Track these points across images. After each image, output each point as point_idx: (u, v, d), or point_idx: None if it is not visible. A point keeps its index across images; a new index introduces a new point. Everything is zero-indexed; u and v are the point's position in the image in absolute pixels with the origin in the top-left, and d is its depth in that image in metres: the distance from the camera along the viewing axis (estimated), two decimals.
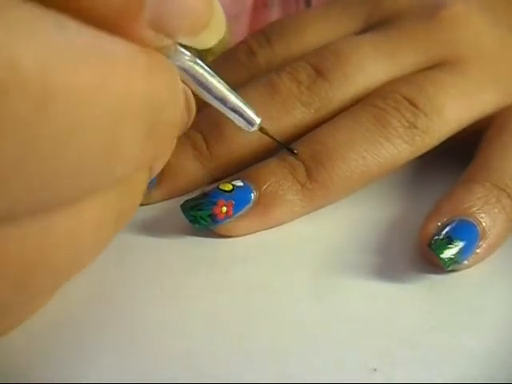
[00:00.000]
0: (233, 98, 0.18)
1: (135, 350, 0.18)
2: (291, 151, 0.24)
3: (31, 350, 0.18)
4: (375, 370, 0.18)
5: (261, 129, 0.20)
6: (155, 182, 0.25)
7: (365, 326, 0.19)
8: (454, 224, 0.22)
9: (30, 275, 0.14)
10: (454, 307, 0.20)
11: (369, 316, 0.20)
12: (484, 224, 0.22)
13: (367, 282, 0.21)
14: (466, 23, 0.28)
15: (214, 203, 0.23)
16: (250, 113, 0.19)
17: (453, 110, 0.25)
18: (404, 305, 0.20)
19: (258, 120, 0.19)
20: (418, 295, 0.21)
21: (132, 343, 0.19)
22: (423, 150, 0.25)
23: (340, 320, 0.20)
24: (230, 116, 0.18)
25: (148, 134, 0.14)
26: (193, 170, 0.24)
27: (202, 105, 0.27)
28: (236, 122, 0.19)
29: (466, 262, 0.22)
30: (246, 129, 0.19)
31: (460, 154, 0.26)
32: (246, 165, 0.25)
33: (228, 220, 0.23)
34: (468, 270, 0.22)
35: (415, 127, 0.25)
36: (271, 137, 0.23)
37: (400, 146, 0.25)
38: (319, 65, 0.26)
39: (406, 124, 0.25)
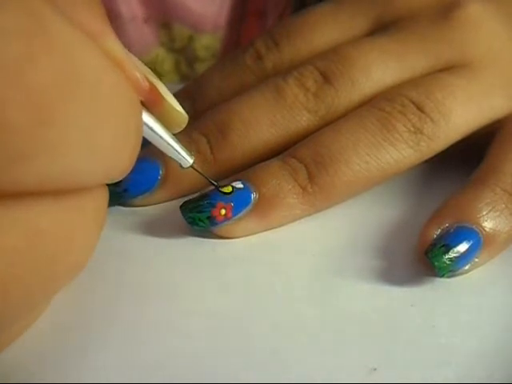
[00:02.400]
0: (172, 141, 0.21)
1: (135, 349, 0.18)
2: (218, 189, 0.23)
3: (32, 350, 0.18)
4: (375, 369, 0.18)
5: (193, 167, 0.22)
6: (158, 184, 0.25)
7: (365, 326, 0.19)
8: (453, 231, 0.21)
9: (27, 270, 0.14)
10: (454, 307, 0.20)
11: (369, 316, 0.20)
12: (488, 230, 0.22)
13: (367, 282, 0.21)
14: (479, 24, 0.27)
15: (213, 205, 0.23)
16: (184, 154, 0.21)
17: (461, 115, 0.25)
18: (404, 305, 0.20)
19: (190, 160, 0.22)
20: (418, 295, 0.21)
21: (132, 343, 0.19)
22: (428, 156, 0.25)
23: (340, 320, 0.20)
24: (170, 154, 0.21)
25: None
26: (196, 173, 0.24)
27: (207, 107, 0.27)
28: (175, 158, 0.21)
29: (465, 268, 0.21)
30: (183, 165, 0.22)
31: (466, 154, 0.26)
32: (249, 167, 0.25)
33: (227, 222, 0.23)
34: None
35: (421, 133, 0.24)
36: (202, 174, 0.23)
37: (404, 151, 0.24)
38: (326, 70, 0.26)
39: (412, 129, 0.24)
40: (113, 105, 0.15)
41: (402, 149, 0.24)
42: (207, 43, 0.40)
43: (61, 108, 0.13)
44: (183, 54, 0.40)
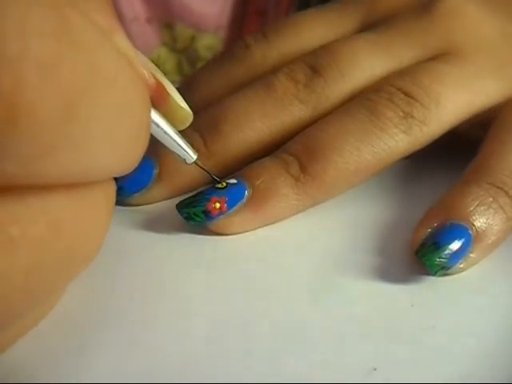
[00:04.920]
0: (176, 137, 0.21)
1: (135, 349, 0.18)
2: (218, 182, 0.24)
3: (31, 351, 0.18)
4: (375, 369, 0.18)
5: (196, 163, 0.23)
6: (153, 181, 0.25)
7: (365, 326, 0.19)
8: (443, 229, 0.21)
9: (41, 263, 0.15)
10: (454, 307, 0.20)
11: (369, 316, 0.20)
12: (478, 226, 0.22)
13: (367, 282, 0.21)
14: (462, 13, 0.27)
15: (208, 200, 0.23)
16: (189, 149, 0.22)
17: (450, 99, 0.25)
18: (404, 305, 0.20)
19: (194, 156, 0.22)
20: (417, 295, 0.21)
21: (131, 343, 0.19)
22: (423, 141, 0.25)
23: (340, 320, 0.20)
24: (174, 150, 0.22)
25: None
26: (191, 168, 0.25)
27: (197, 102, 0.28)
28: (179, 154, 0.22)
29: (459, 266, 0.21)
30: (187, 161, 0.22)
31: (464, 152, 0.26)
32: (244, 162, 0.25)
33: (222, 216, 0.23)
34: (468, 269, 0.22)
35: (412, 117, 0.24)
36: (205, 170, 0.24)
37: (396, 135, 0.24)
38: (315, 63, 0.26)
39: (402, 114, 0.24)
40: (129, 100, 0.15)
41: (394, 134, 0.24)
42: (209, 43, 0.41)
43: (84, 104, 0.13)
44: (185, 54, 0.41)
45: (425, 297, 0.21)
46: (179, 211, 0.23)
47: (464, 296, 0.21)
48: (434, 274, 0.21)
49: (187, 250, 0.23)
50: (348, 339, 0.19)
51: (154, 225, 0.24)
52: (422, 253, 0.21)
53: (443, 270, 0.21)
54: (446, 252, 0.21)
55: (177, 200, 0.24)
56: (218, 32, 0.41)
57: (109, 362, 0.18)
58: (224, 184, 0.23)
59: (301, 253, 0.23)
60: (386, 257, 0.23)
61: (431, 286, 0.21)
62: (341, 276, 0.22)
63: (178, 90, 0.29)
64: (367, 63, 0.26)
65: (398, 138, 0.24)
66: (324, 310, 0.20)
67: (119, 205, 0.25)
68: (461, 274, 0.22)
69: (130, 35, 0.39)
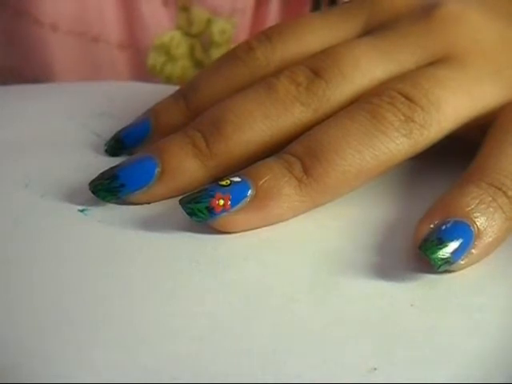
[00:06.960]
0: None
1: (134, 349, 0.18)
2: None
3: (31, 350, 0.18)
4: (375, 369, 0.18)
5: None
6: (156, 178, 0.25)
7: (365, 326, 0.19)
8: (445, 225, 0.22)
9: None
10: (454, 307, 0.20)
11: (369, 316, 0.20)
12: (479, 224, 0.22)
13: (367, 282, 0.21)
14: (461, 19, 0.28)
15: (211, 196, 0.23)
16: None
17: (451, 103, 0.25)
18: (404, 304, 0.20)
19: None
20: (418, 295, 0.21)
21: (131, 343, 0.19)
22: (423, 144, 0.25)
23: (340, 320, 0.20)
24: None
25: None
26: (193, 168, 0.25)
27: (199, 102, 0.28)
28: None
29: (461, 262, 0.22)
30: None
31: (464, 154, 0.26)
32: (246, 163, 0.25)
33: (225, 213, 0.23)
34: (468, 269, 0.22)
35: (412, 121, 0.25)
36: None
37: (397, 139, 0.24)
38: (316, 66, 0.26)
39: (403, 118, 0.25)
40: None
41: (395, 137, 0.24)
42: (223, 27, 0.42)
43: None
44: (199, 38, 0.41)
45: (425, 297, 0.21)
46: (182, 206, 0.23)
47: (464, 296, 0.21)
48: (438, 268, 0.21)
49: (187, 249, 0.23)
50: (348, 339, 0.19)
51: (154, 224, 0.24)
52: (425, 247, 0.21)
53: (446, 264, 0.21)
54: (449, 247, 0.21)
55: (176, 199, 0.24)
56: (233, 17, 0.41)
57: (108, 363, 0.18)
58: (228, 182, 0.23)
59: (301, 253, 0.23)
60: (386, 256, 0.23)
61: (431, 286, 0.21)
62: (341, 276, 0.22)
63: (178, 90, 0.30)
64: (368, 66, 0.26)
65: (399, 142, 0.24)
66: (324, 309, 0.20)
67: (120, 203, 0.25)
68: (460, 273, 0.22)
69: (143, 17, 0.40)
